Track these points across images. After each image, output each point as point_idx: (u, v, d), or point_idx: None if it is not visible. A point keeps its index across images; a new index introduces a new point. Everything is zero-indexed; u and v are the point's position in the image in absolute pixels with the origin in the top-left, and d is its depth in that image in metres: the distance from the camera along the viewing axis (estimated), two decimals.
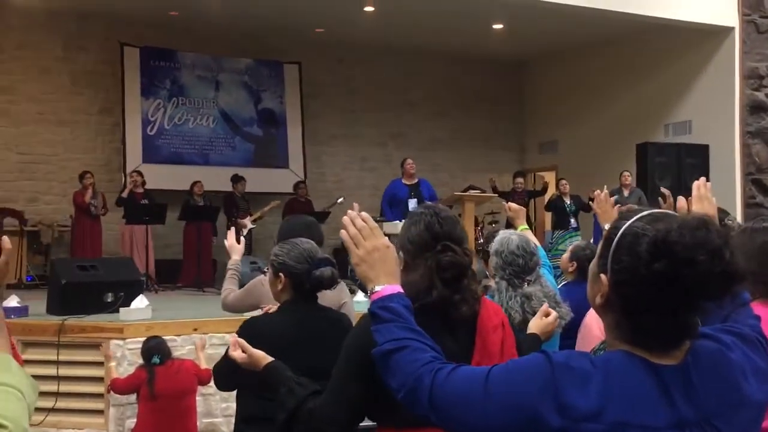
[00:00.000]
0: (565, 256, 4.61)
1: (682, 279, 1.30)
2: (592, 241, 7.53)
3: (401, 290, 1.75)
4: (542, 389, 1.33)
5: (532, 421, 1.33)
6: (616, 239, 1.39)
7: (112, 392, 5.86)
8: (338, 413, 2.06)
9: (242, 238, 4.41)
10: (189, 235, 11.53)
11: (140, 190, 11.31)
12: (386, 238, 1.80)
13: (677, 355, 1.38)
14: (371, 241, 1.79)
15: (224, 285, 4.14)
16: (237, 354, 2.44)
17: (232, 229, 4.46)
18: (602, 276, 1.40)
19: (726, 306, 1.51)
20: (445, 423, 1.47)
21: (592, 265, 1.47)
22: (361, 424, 2.20)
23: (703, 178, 2.43)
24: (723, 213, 3.22)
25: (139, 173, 11.51)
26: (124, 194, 11.17)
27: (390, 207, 10.43)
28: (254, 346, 2.73)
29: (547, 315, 2.87)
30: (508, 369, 1.42)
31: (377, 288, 1.74)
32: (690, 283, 1.30)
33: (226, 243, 4.24)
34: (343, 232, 1.81)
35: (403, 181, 10.70)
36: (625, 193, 11.56)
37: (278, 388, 2.31)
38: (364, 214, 1.84)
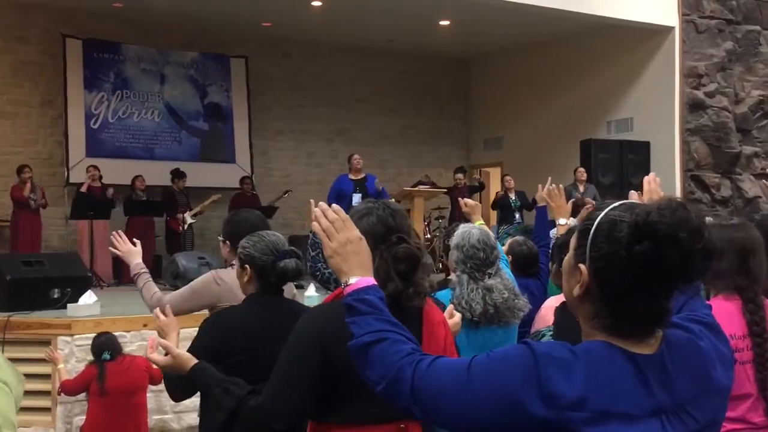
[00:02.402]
0: (504, 248, 4.69)
1: (665, 258, 1.33)
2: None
3: (375, 282, 1.73)
4: (525, 379, 1.34)
5: (515, 410, 1.34)
6: (593, 229, 1.41)
7: (62, 394, 5.77)
8: (284, 408, 2.04)
9: (137, 241, 4.00)
10: (132, 230, 11.38)
11: (98, 184, 11.13)
12: (357, 230, 1.80)
13: (653, 344, 1.41)
14: (344, 233, 1.78)
15: (145, 292, 3.73)
16: (156, 356, 2.39)
17: (121, 233, 3.92)
18: (581, 266, 1.42)
19: (684, 295, 1.55)
20: (428, 414, 1.47)
21: (568, 258, 1.48)
22: None
23: (653, 173, 2.52)
24: None
25: (96, 167, 11.31)
26: (83, 189, 10.96)
27: (336, 201, 10.43)
28: (222, 340, 2.72)
29: (451, 316, 2.86)
30: (490, 359, 1.42)
31: (351, 280, 1.72)
32: (673, 261, 1.33)
33: (119, 252, 3.81)
34: (315, 224, 1.80)
35: (350, 176, 10.70)
36: (581, 188, 11.69)
37: (211, 389, 2.28)
38: (335, 206, 1.83)
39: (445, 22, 13.44)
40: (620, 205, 1.43)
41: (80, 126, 12.51)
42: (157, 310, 2.47)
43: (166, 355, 2.50)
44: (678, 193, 12.31)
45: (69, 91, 12.46)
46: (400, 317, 2.07)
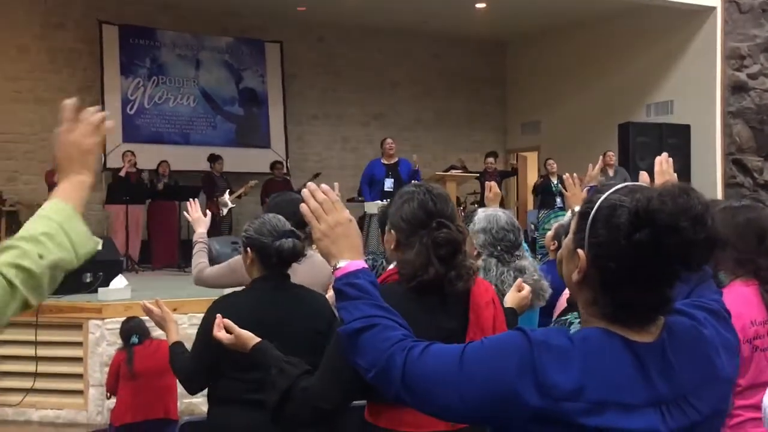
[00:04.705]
0: (549, 234, 4.59)
1: (665, 247, 1.27)
2: None
3: (365, 266, 1.68)
4: (520, 367, 1.29)
5: (509, 399, 1.29)
6: (592, 213, 1.35)
7: (110, 396, 5.82)
8: (332, 391, 2.05)
9: (208, 212, 4.28)
10: (151, 215, 11.52)
11: (133, 169, 11.24)
12: (347, 211, 1.75)
13: (653, 332, 1.35)
14: (333, 215, 1.71)
15: (194, 259, 4.00)
16: (222, 335, 2.43)
17: (196, 201, 4.27)
18: (579, 251, 1.36)
19: (690, 281, 1.49)
20: (419, 403, 1.42)
21: (567, 242, 1.42)
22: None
23: (665, 154, 2.45)
24: None
25: (132, 153, 11.39)
26: (122, 173, 11.07)
27: (369, 187, 10.39)
28: None
29: (520, 289, 2.89)
30: (484, 346, 1.37)
31: (341, 264, 1.66)
32: (673, 250, 1.27)
33: (189, 217, 4.15)
34: (303, 205, 1.74)
35: (382, 161, 10.59)
36: (610, 173, 11.50)
37: (268, 368, 2.28)
38: (324, 186, 1.77)
39: (481, 5, 13.27)
40: (622, 188, 1.36)
41: (117, 112, 12.60)
42: (146, 303, 2.50)
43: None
44: (719, 177, 12.07)
45: (106, 77, 12.59)
46: (444, 301, 2.15)
